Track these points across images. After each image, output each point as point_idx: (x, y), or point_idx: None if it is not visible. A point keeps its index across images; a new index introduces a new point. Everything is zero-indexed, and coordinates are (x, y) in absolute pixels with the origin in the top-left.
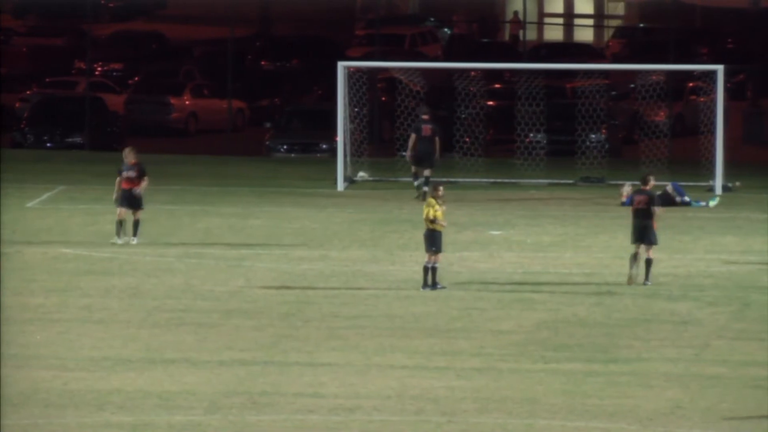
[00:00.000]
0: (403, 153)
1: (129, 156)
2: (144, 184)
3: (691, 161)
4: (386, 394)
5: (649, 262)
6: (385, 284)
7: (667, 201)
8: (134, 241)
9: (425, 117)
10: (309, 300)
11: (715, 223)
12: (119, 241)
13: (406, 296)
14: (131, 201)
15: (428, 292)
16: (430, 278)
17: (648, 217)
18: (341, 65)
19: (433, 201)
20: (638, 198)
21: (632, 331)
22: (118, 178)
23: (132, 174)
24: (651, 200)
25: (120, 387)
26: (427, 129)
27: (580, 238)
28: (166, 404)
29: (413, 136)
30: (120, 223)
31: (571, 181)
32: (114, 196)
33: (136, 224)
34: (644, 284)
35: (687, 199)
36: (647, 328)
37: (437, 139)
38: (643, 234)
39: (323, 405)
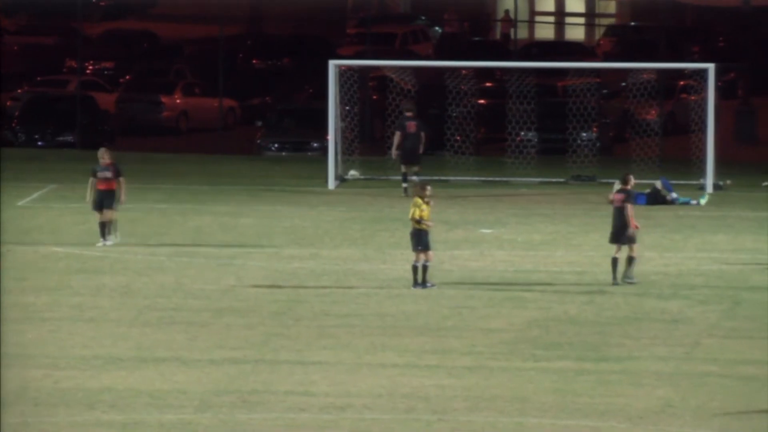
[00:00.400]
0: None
1: (104, 156)
2: (123, 190)
3: (682, 159)
4: (377, 393)
5: (630, 260)
6: (376, 283)
7: (658, 199)
8: (108, 242)
9: (409, 114)
10: (300, 298)
11: (707, 222)
12: (108, 243)
13: (396, 295)
14: (107, 202)
15: (419, 290)
16: (421, 277)
17: (624, 216)
18: (332, 64)
19: (419, 201)
20: (617, 197)
21: (623, 330)
22: (91, 179)
23: (108, 174)
24: (626, 199)
25: (111, 385)
26: (411, 126)
27: (571, 236)
28: (156, 403)
29: (398, 133)
30: (102, 225)
31: (562, 180)
32: (87, 198)
33: (109, 224)
34: (624, 281)
35: (674, 195)
36: (638, 327)
37: (423, 134)
38: (618, 234)
39: (314, 403)
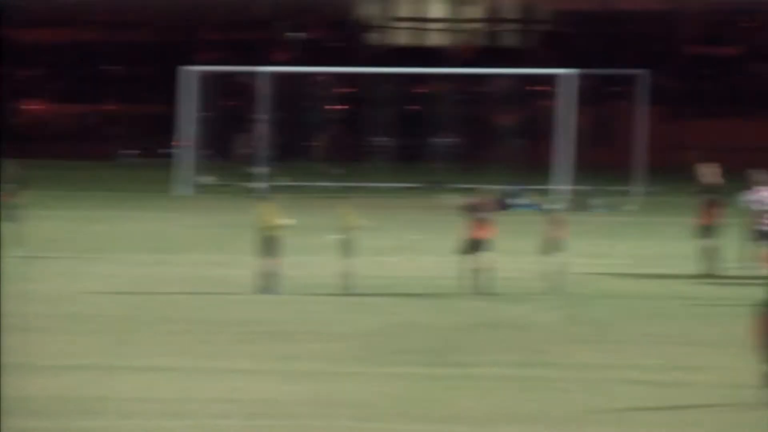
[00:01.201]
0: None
1: None
2: None
3: (538, 164)
4: (223, 398)
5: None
6: (224, 288)
7: (502, 204)
8: None
9: (261, 118)
10: (146, 305)
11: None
12: None
13: (245, 300)
14: None
15: (267, 296)
16: (270, 282)
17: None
18: (186, 70)
19: (267, 209)
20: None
21: (469, 336)
22: None
23: None
24: (466, 208)
25: None
26: (256, 131)
27: (420, 242)
28: None
29: (244, 136)
30: None
31: (418, 185)
32: None
33: None
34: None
35: (517, 201)
36: (485, 333)
37: (262, 138)
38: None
39: (155, 410)
